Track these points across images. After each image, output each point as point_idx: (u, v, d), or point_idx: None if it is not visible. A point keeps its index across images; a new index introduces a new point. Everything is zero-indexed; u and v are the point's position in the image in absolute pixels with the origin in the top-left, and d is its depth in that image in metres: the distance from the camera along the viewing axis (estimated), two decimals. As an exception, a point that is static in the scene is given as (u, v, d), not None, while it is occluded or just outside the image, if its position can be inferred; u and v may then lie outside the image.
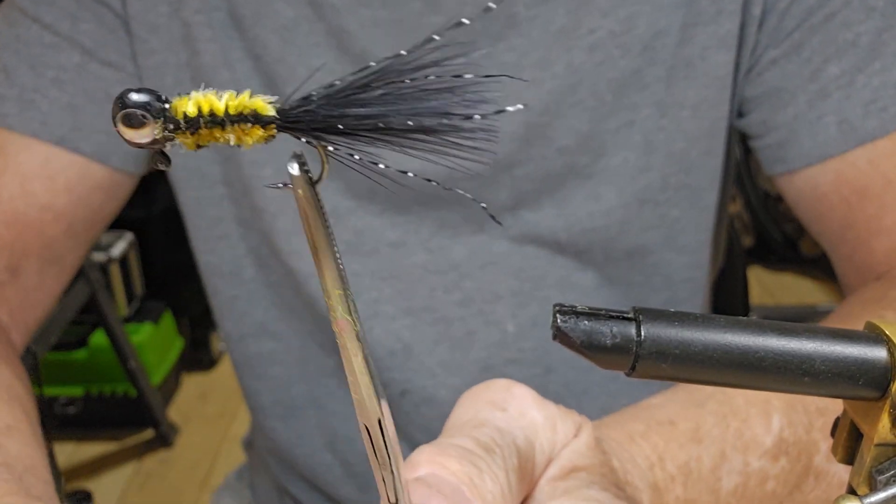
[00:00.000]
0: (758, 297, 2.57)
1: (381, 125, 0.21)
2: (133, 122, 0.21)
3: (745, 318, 0.27)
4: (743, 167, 2.62)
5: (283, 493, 0.76)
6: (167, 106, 0.21)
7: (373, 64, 0.21)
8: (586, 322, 0.26)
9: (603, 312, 0.26)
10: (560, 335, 0.26)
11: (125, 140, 0.21)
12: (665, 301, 0.65)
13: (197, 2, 0.59)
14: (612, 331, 0.26)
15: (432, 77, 0.21)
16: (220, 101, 0.21)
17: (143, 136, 0.21)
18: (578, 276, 0.63)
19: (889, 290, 0.51)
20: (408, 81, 0.21)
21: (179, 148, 0.22)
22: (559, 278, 0.63)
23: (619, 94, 0.58)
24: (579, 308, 0.26)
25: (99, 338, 1.93)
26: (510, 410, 0.33)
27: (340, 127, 0.21)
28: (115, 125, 0.21)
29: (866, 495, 0.27)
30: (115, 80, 0.61)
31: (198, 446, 2.01)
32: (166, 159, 0.22)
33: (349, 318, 0.24)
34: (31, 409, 0.52)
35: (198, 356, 2.29)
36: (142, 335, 1.99)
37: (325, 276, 0.23)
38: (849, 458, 0.29)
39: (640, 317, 0.26)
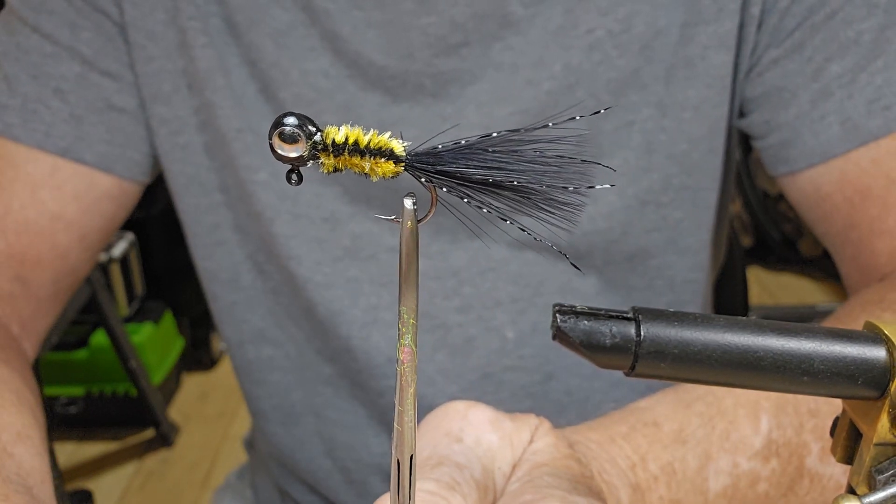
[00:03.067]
0: (757, 297, 2.57)
1: (489, 180, 0.25)
2: (286, 138, 0.25)
3: (744, 318, 0.27)
4: (742, 167, 2.62)
5: (284, 495, 0.76)
6: (321, 132, 0.25)
7: (495, 134, 0.25)
8: (586, 322, 0.26)
9: (602, 312, 0.26)
10: (560, 335, 0.26)
11: (274, 151, 0.25)
12: (667, 304, 0.64)
13: (192, 8, 0.59)
14: (611, 330, 0.26)
15: (540, 151, 0.25)
16: (364, 136, 0.25)
17: (293, 150, 0.25)
18: (578, 281, 0.62)
19: (889, 291, 0.51)
20: (520, 150, 0.25)
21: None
22: (559, 284, 0.62)
23: (617, 95, 0.58)
24: (579, 308, 0.26)
25: (99, 338, 1.93)
26: (466, 440, 0.34)
27: (458, 173, 0.25)
28: (270, 137, 0.25)
29: (866, 495, 0.27)
30: (114, 90, 0.62)
31: (198, 446, 2.01)
32: (299, 177, 0.26)
33: (415, 348, 0.26)
34: (41, 417, 0.52)
35: (198, 356, 2.30)
36: (142, 335, 1.99)
37: (406, 304, 0.26)
38: (848, 457, 0.29)
39: (640, 317, 0.26)
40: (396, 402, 0.26)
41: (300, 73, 0.59)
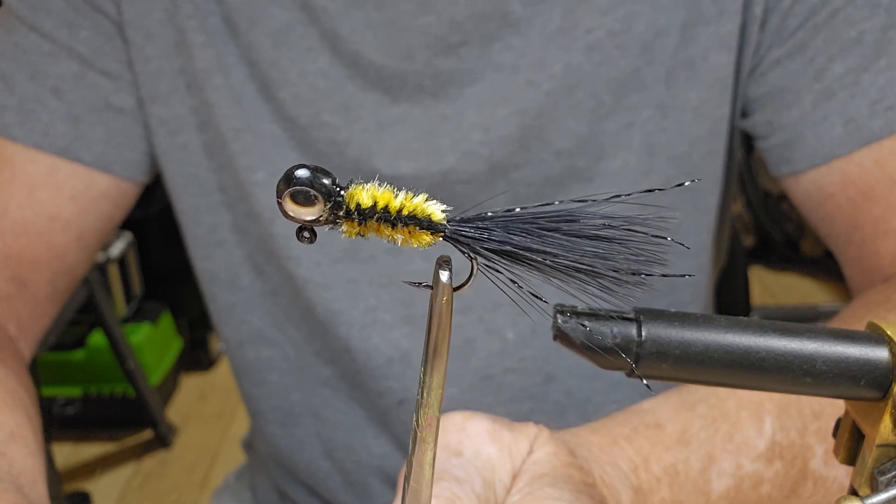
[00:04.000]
0: (759, 298, 2.57)
1: (547, 262, 0.21)
2: (299, 200, 0.21)
3: (746, 318, 0.27)
4: (744, 167, 2.62)
5: (283, 496, 0.76)
6: (343, 193, 0.21)
7: (556, 202, 0.22)
8: (587, 322, 0.26)
9: (603, 313, 0.26)
10: (560, 335, 0.26)
11: (284, 212, 0.21)
12: (668, 305, 0.64)
13: (190, 7, 0.59)
14: (612, 331, 0.26)
15: (605, 224, 0.22)
16: (395, 200, 0.21)
17: (308, 214, 0.21)
18: None
19: (893, 292, 0.51)
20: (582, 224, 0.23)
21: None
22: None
23: (618, 96, 0.58)
24: (580, 308, 0.26)
25: (97, 338, 1.93)
26: (465, 453, 0.34)
27: (508, 249, 0.22)
28: (280, 196, 0.21)
29: (868, 496, 0.27)
30: (112, 90, 0.61)
31: (197, 447, 2.01)
32: (313, 235, 0.22)
33: (438, 416, 0.24)
34: (36, 418, 0.52)
35: (196, 356, 2.29)
36: (140, 335, 1.98)
37: (434, 376, 0.24)
38: (850, 458, 0.29)
39: (641, 317, 0.26)
40: (413, 463, 0.25)
41: (299, 73, 0.59)
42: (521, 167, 0.59)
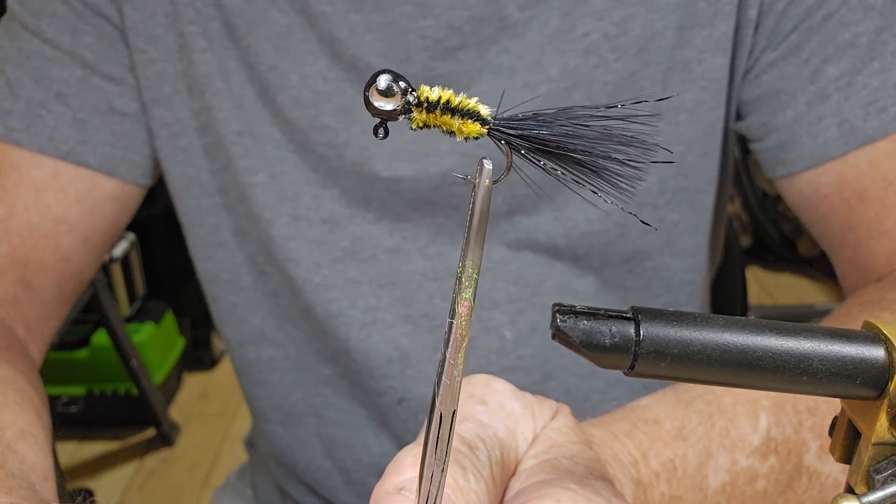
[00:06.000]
0: (756, 297, 2.57)
1: (565, 147, 0.26)
2: (384, 92, 0.26)
3: (743, 317, 0.27)
4: (741, 167, 2.62)
5: (284, 495, 0.76)
6: (414, 90, 0.26)
7: (571, 108, 0.27)
8: (585, 322, 0.26)
9: (602, 312, 0.26)
10: (559, 335, 0.26)
11: (369, 104, 0.26)
12: (664, 305, 0.65)
13: (191, 12, 0.60)
14: (611, 330, 0.26)
15: (608, 129, 0.27)
16: (455, 98, 0.27)
17: (388, 104, 0.26)
18: (577, 282, 0.63)
19: (888, 292, 0.51)
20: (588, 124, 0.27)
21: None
22: (557, 284, 0.63)
23: (614, 98, 0.58)
24: (578, 308, 0.26)
25: (101, 337, 1.94)
26: (490, 404, 0.35)
27: (537, 137, 0.27)
28: (367, 90, 0.26)
29: (864, 494, 0.27)
30: (116, 94, 0.62)
31: (199, 445, 2.02)
32: (386, 132, 0.27)
33: (473, 303, 0.27)
34: (46, 418, 0.52)
35: (199, 355, 2.30)
36: (143, 335, 1.99)
37: (472, 259, 0.27)
38: (847, 457, 0.29)
39: (639, 316, 0.26)
40: (448, 356, 0.27)
41: (299, 77, 0.59)
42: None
